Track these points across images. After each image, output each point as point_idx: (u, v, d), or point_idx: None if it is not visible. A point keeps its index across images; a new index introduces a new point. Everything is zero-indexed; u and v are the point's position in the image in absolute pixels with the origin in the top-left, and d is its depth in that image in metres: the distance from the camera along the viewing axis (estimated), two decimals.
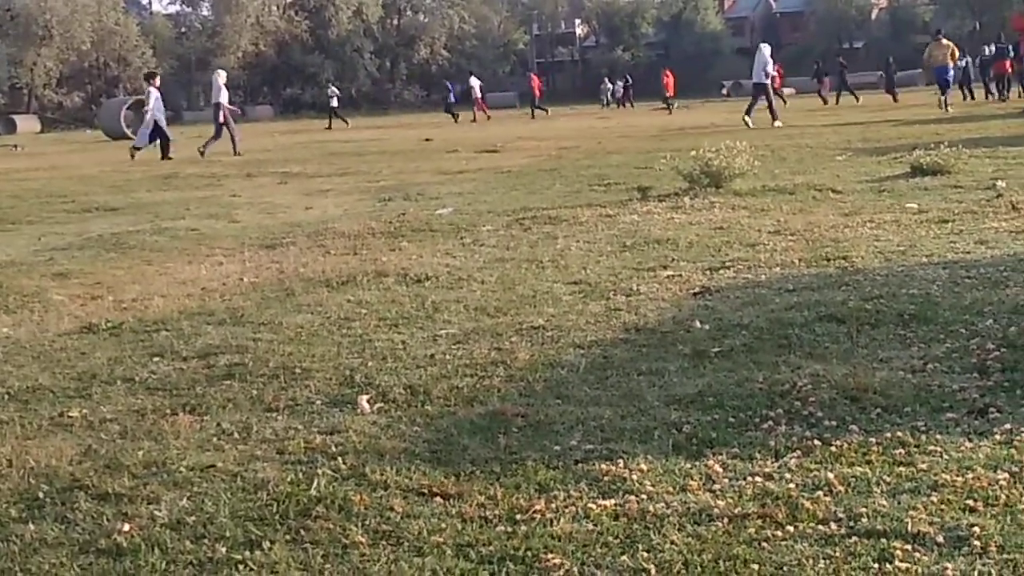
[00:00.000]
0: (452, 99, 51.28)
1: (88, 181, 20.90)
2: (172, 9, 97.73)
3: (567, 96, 63.74)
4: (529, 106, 49.83)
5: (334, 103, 52.35)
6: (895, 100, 39.51)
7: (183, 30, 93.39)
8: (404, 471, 4.17)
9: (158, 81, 28.23)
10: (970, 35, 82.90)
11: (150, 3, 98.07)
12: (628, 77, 62.25)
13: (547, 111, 48.39)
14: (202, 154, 26.21)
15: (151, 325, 7.12)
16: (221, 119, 27.71)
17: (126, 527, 3.77)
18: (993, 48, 37.32)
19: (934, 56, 32.62)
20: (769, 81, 29.90)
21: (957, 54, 32.89)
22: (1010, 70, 35.08)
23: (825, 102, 43.32)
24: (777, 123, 27.03)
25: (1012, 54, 34.66)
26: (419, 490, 3.98)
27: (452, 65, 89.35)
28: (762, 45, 32.01)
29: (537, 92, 51.02)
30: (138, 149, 26.93)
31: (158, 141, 26.68)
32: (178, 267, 9.67)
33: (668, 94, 49.72)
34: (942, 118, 26.26)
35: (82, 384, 5.76)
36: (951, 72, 32.16)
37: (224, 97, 27.89)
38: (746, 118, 27.58)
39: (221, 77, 28.82)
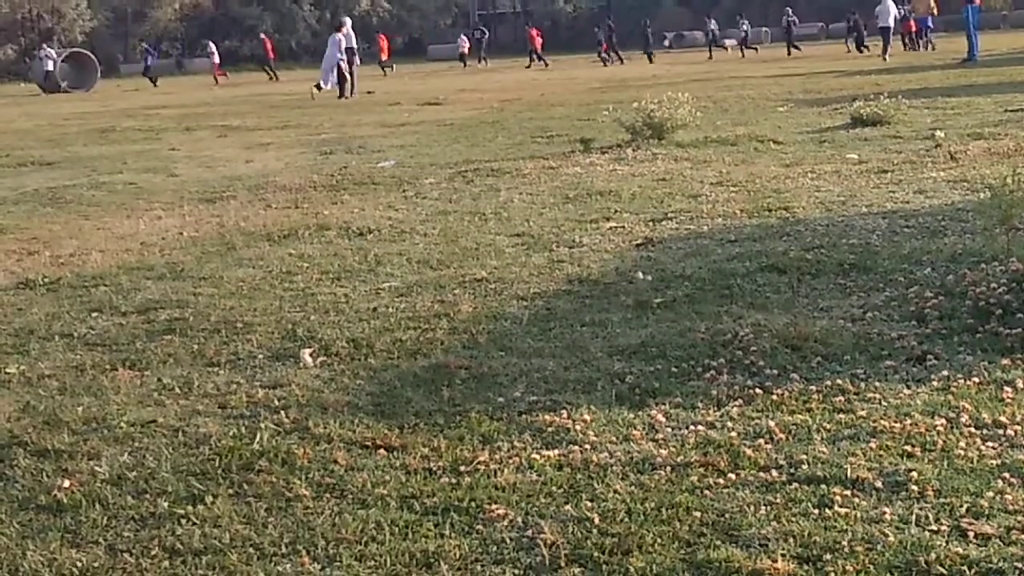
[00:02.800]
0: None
1: (23, 135, 20.54)
2: None
3: (509, 49, 63.38)
4: (529, 57, 48.82)
5: (215, 59, 51.79)
6: (858, 51, 39.79)
7: None
8: (347, 424, 4.16)
9: (344, 29, 30.14)
10: None
11: None
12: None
13: (546, 63, 47.56)
14: (350, 95, 28.12)
15: (89, 280, 7.03)
16: (356, 63, 29.81)
17: (66, 483, 3.73)
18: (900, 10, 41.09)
19: (930, 7, 37.92)
20: (892, 25, 34.70)
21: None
22: (914, 28, 40.15)
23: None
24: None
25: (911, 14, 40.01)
26: (362, 443, 3.97)
27: (393, 17, 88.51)
28: None
29: (538, 45, 50.01)
30: (319, 89, 28.55)
31: (335, 81, 28.89)
32: (116, 222, 9.55)
33: (536, 51, 49.06)
34: (882, 69, 26.43)
35: (19, 340, 5.68)
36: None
37: (352, 43, 29.67)
38: (886, 57, 31.71)
39: (348, 25, 30.87)
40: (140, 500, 3.60)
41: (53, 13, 79.38)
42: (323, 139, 16.73)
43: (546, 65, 45.37)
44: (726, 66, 35.66)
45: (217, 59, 52.34)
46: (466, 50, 53.74)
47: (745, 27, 48.85)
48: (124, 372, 5.02)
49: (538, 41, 49.02)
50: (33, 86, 45.73)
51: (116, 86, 46.53)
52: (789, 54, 42.31)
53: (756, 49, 46.10)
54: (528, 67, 45.01)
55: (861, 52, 38.83)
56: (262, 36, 53.70)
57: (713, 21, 50.86)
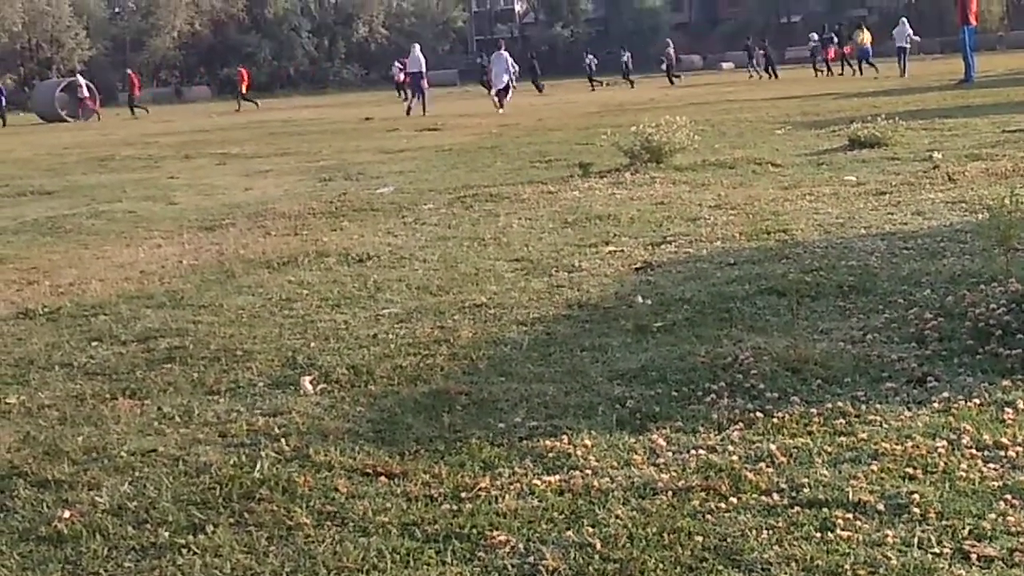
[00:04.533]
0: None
1: (22, 164, 20.59)
2: None
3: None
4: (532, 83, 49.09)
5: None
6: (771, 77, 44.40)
7: (117, 10, 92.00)
8: (348, 451, 4.15)
9: (502, 45, 35.21)
10: (906, 7, 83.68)
11: None
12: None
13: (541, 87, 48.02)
14: (418, 112, 31.34)
15: (89, 309, 7.03)
16: (424, 86, 33.36)
17: (67, 514, 3.72)
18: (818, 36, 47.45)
19: (862, 41, 42.26)
20: (908, 45, 39.21)
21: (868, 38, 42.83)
22: (833, 56, 44.86)
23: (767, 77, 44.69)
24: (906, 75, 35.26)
25: (835, 42, 45.65)
26: (363, 470, 3.96)
27: (391, 43, 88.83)
28: (903, 19, 41.59)
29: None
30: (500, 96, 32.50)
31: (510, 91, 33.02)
32: (116, 250, 9.56)
33: (242, 91, 49.26)
34: (879, 91, 26.50)
35: (19, 370, 5.68)
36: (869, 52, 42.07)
37: (423, 66, 33.79)
38: (905, 75, 35.52)
39: (417, 50, 35.04)
40: (141, 530, 3.58)
41: (52, 43, 79.68)
42: (322, 166, 16.76)
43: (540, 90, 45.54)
44: (723, 89, 35.75)
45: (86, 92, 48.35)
46: (401, 78, 53.04)
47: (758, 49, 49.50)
48: (124, 401, 5.01)
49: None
50: (32, 116, 45.85)
51: (115, 114, 46.62)
52: (771, 77, 45.07)
53: (758, 74, 46.65)
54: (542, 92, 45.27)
55: (770, 77, 44.54)
56: (239, 69, 53.19)
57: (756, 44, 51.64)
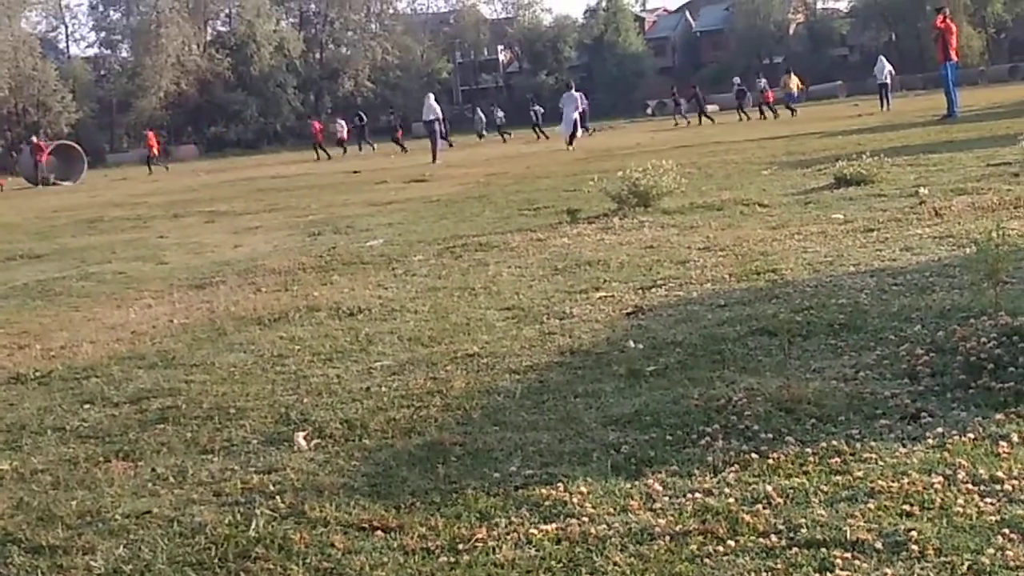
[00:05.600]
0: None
1: (11, 229, 20.60)
2: (90, 52, 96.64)
3: (495, 123, 63.82)
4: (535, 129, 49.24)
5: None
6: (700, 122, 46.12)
7: (103, 73, 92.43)
8: (344, 506, 4.13)
9: (572, 86, 36.38)
10: (886, 45, 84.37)
11: (68, 47, 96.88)
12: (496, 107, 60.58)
13: (547, 136, 48.39)
14: (434, 160, 32.12)
15: (80, 372, 7.01)
16: (440, 132, 35.57)
17: None
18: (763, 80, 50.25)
19: (788, 85, 47.31)
20: (890, 81, 41.92)
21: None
22: (771, 98, 47.56)
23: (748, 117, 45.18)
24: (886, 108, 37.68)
25: (767, 85, 48.82)
26: (359, 525, 3.95)
27: (377, 96, 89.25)
28: (881, 56, 45.11)
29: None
30: (571, 138, 33.82)
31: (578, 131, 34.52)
32: (106, 312, 9.55)
33: (153, 155, 49.76)
34: (863, 128, 26.64)
35: (11, 436, 5.66)
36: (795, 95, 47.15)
37: (438, 113, 35.36)
38: (885, 108, 37.90)
39: (431, 99, 36.44)
40: None
41: (39, 107, 79.89)
42: (311, 220, 16.79)
43: (545, 137, 45.63)
44: (709, 131, 35.95)
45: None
46: (344, 135, 53.06)
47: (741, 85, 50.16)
48: (117, 464, 4.99)
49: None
50: (20, 179, 45.90)
51: (103, 176, 46.71)
52: (764, 116, 46.03)
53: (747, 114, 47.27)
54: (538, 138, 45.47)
55: (759, 115, 45.69)
56: (147, 133, 53.23)
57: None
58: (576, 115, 34.51)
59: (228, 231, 16.38)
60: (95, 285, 11.42)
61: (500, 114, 54.66)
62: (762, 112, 46.22)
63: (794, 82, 47.12)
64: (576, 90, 35.67)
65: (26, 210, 26.47)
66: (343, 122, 56.02)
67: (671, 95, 53.87)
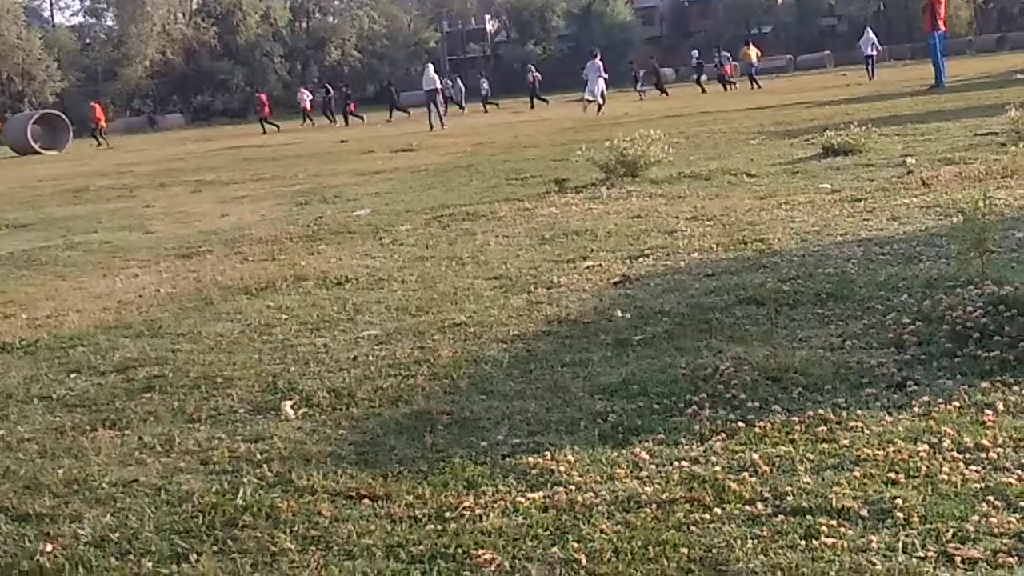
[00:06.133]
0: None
1: None
2: (75, 21, 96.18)
3: (479, 92, 63.56)
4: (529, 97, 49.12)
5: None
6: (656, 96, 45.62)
7: (87, 41, 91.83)
8: (331, 475, 4.13)
9: (596, 55, 36.20)
10: (874, 15, 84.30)
11: (52, 16, 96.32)
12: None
13: (547, 101, 48.42)
14: (443, 126, 33.66)
15: (67, 341, 7.00)
16: (440, 99, 36.33)
17: (49, 547, 3.70)
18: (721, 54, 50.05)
19: (747, 56, 46.53)
20: (875, 53, 42.41)
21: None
22: (730, 71, 48.19)
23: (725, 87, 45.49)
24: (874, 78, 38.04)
25: (729, 59, 49.25)
26: (347, 493, 3.95)
27: (364, 66, 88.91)
28: (868, 28, 45.93)
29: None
30: (591, 102, 34.24)
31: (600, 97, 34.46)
32: (92, 281, 9.52)
33: (98, 127, 48.81)
34: (851, 98, 26.62)
35: None
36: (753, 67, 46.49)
37: (437, 84, 36.51)
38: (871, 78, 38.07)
39: (431, 69, 37.94)
40: (124, 561, 3.56)
41: (23, 76, 79.45)
42: (298, 190, 16.75)
43: (547, 103, 45.77)
44: (697, 101, 35.90)
45: None
46: (308, 106, 52.61)
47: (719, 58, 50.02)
48: (104, 432, 4.98)
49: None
50: (5, 148, 45.65)
51: (89, 145, 46.49)
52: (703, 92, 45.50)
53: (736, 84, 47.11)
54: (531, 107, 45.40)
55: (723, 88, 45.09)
56: (93, 105, 52.29)
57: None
58: (602, 82, 34.58)
59: (215, 200, 16.33)
60: (81, 254, 11.39)
61: (485, 85, 54.33)
62: (724, 85, 46.03)
63: (754, 53, 46.99)
64: (599, 59, 35.44)
65: (11, 179, 26.34)
66: (307, 93, 55.60)
67: (630, 69, 53.56)
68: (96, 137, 48.03)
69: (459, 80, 56.95)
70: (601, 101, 34.29)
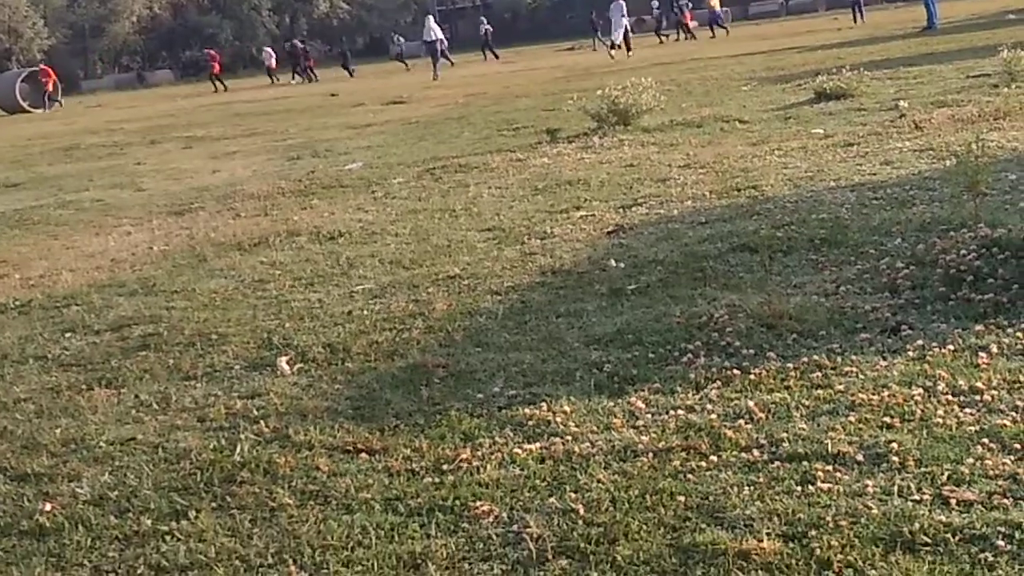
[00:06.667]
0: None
1: None
2: None
3: (471, 43, 63.11)
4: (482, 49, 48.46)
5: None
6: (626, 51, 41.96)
7: None
8: (328, 430, 4.15)
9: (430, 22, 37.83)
10: None
11: None
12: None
13: (498, 56, 47.66)
14: (435, 78, 33.00)
15: (61, 300, 6.99)
16: (439, 51, 36.32)
17: (48, 506, 3.72)
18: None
19: (710, 4, 45.01)
20: None
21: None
22: (690, 19, 45.90)
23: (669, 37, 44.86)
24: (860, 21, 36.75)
25: (690, 7, 46.68)
26: (344, 448, 3.96)
27: (353, 18, 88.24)
28: None
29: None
30: (613, 47, 33.81)
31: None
32: (85, 240, 9.50)
33: (48, 90, 47.72)
34: (843, 42, 26.49)
35: None
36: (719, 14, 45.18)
37: (438, 35, 37.00)
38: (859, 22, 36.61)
39: (431, 21, 38.96)
40: (123, 519, 3.58)
41: (10, 34, 78.82)
42: (289, 144, 16.67)
43: (496, 57, 45.13)
44: (688, 48, 35.70)
45: None
46: (273, 64, 51.38)
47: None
48: (100, 391, 4.99)
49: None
50: None
51: (78, 103, 46.21)
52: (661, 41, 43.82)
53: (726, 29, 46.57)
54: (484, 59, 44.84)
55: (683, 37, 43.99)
56: (45, 68, 50.78)
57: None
58: (626, 23, 34.01)
59: (206, 156, 16.26)
60: (73, 213, 11.35)
61: (486, 24, 53.72)
62: (681, 34, 44.95)
63: (715, 0, 46.41)
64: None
65: (0, 138, 26.21)
66: (270, 50, 54.87)
67: (590, 21, 52.34)
68: (46, 100, 47.15)
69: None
70: (620, 44, 33.57)
